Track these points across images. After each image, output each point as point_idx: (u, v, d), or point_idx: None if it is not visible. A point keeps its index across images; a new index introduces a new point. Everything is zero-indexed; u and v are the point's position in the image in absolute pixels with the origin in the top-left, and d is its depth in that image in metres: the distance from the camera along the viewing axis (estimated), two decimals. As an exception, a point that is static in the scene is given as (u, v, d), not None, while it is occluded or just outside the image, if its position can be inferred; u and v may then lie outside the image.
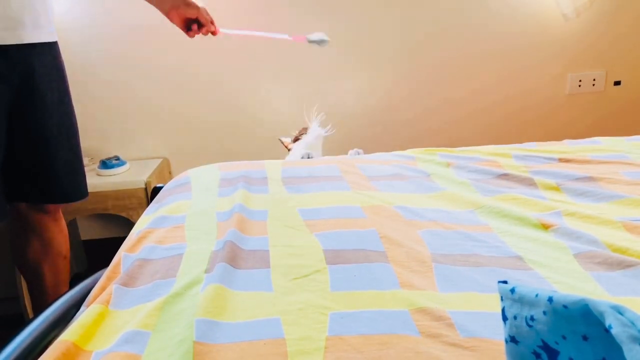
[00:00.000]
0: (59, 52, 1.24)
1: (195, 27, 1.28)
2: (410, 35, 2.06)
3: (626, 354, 0.35)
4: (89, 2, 1.90)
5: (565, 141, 1.38)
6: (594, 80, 2.20)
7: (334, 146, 2.13)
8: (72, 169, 1.28)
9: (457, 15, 2.06)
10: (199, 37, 1.31)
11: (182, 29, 1.29)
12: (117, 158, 1.92)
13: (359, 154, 1.42)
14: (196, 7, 1.25)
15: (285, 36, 1.39)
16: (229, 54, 1.99)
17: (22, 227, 1.31)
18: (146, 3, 1.27)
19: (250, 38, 1.39)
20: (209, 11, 1.29)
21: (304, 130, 1.67)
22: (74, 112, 1.28)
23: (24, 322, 0.76)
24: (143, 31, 1.93)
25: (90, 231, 2.14)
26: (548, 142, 1.38)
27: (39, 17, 1.14)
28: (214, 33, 1.31)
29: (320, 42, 1.37)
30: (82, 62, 1.94)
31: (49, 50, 1.20)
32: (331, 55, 2.05)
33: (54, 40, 1.22)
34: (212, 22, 1.30)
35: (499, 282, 0.47)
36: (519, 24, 2.09)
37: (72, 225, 2.03)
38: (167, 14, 1.26)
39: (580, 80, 2.20)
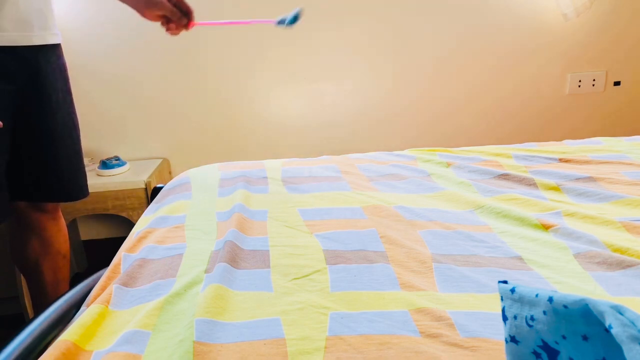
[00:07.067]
0: (62, 53, 1.26)
1: (164, 22, 1.19)
2: (410, 36, 2.07)
3: (626, 354, 0.35)
4: (88, 2, 1.90)
5: (565, 141, 1.38)
6: (594, 80, 2.20)
7: (334, 146, 2.14)
8: (74, 167, 1.29)
9: (457, 15, 2.06)
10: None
11: (163, 26, 1.21)
12: (117, 158, 1.92)
13: None
14: (159, 2, 1.16)
15: (266, 20, 1.24)
16: (229, 54, 1.99)
17: (21, 226, 1.31)
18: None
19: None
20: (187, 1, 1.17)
21: None
22: (76, 112, 1.30)
23: (24, 322, 0.76)
24: (143, 31, 1.93)
25: (90, 231, 2.15)
26: (548, 142, 1.38)
27: (46, 19, 1.17)
28: (186, 27, 1.20)
29: (289, 22, 1.17)
30: (82, 62, 1.94)
31: (54, 52, 1.21)
32: (331, 55, 2.06)
33: (59, 42, 1.24)
34: (188, 12, 1.18)
35: (499, 282, 0.47)
36: (518, 24, 2.09)
37: (72, 225, 2.03)
38: (142, 15, 1.20)
39: (580, 81, 2.19)
